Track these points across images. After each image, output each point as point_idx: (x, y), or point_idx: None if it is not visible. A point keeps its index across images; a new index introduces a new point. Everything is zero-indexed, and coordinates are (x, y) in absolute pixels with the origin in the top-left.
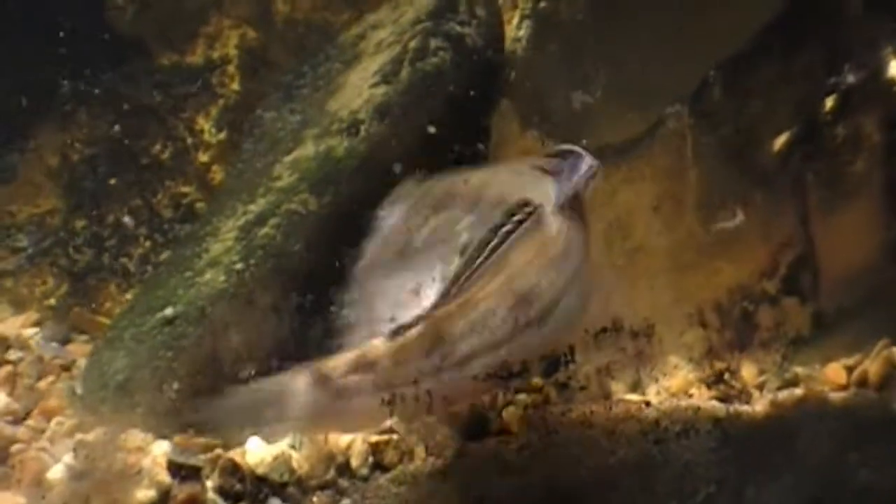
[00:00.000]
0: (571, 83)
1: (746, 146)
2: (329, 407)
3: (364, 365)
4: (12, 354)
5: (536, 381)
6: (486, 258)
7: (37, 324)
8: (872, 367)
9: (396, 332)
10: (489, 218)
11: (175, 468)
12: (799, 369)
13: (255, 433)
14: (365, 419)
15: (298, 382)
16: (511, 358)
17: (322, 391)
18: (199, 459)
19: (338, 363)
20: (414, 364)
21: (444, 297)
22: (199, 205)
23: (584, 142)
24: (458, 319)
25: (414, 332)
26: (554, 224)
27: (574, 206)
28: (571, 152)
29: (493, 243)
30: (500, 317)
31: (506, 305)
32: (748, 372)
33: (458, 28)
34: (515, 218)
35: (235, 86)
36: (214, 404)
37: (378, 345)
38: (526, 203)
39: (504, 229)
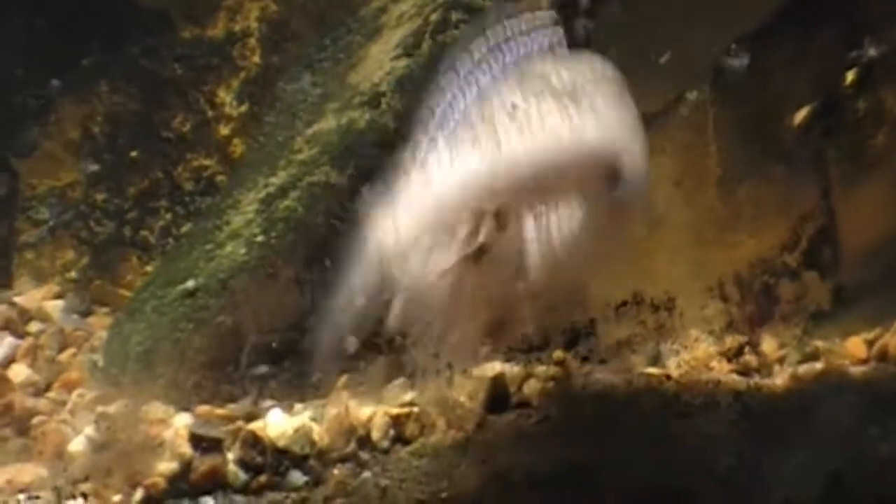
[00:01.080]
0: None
1: (767, 121)
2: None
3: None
4: (33, 326)
5: (558, 353)
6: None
7: (58, 296)
8: (893, 341)
9: None
10: None
11: (196, 440)
12: (819, 343)
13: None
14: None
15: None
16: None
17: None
18: (221, 431)
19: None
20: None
21: None
22: (220, 177)
23: None
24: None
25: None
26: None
27: None
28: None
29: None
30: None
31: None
32: (769, 346)
33: (480, 1)
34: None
35: (256, 59)
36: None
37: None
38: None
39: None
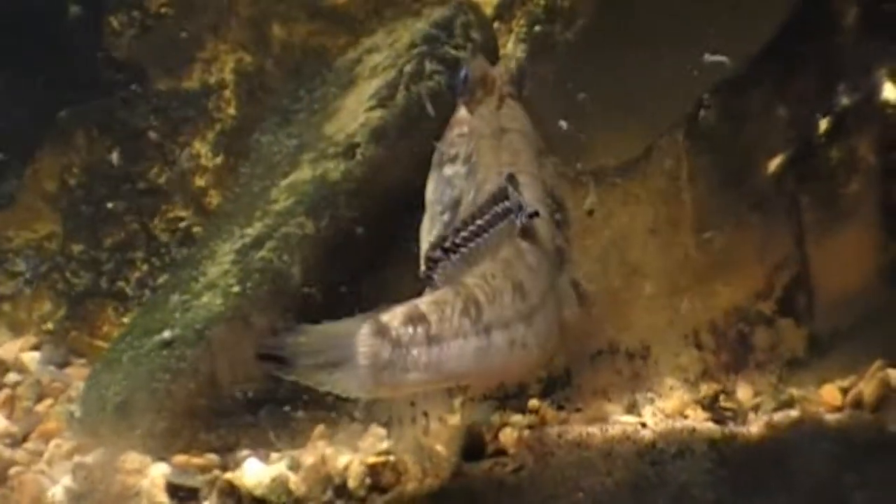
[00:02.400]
0: (566, 106)
1: (741, 168)
2: (389, 358)
3: (416, 317)
4: (11, 378)
5: (533, 402)
6: (489, 224)
7: (35, 347)
8: (867, 388)
9: (428, 267)
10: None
11: (173, 489)
12: (794, 391)
13: (324, 381)
14: (421, 376)
15: (361, 329)
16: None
17: (382, 339)
18: (198, 480)
19: (394, 314)
20: (456, 320)
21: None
22: (196, 229)
23: (579, 165)
24: (481, 288)
25: (450, 290)
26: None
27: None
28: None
29: (495, 210)
30: (508, 298)
31: (510, 288)
32: (744, 393)
33: (454, 52)
34: (506, 203)
35: (232, 110)
36: (286, 339)
37: (423, 300)
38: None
39: (503, 205)
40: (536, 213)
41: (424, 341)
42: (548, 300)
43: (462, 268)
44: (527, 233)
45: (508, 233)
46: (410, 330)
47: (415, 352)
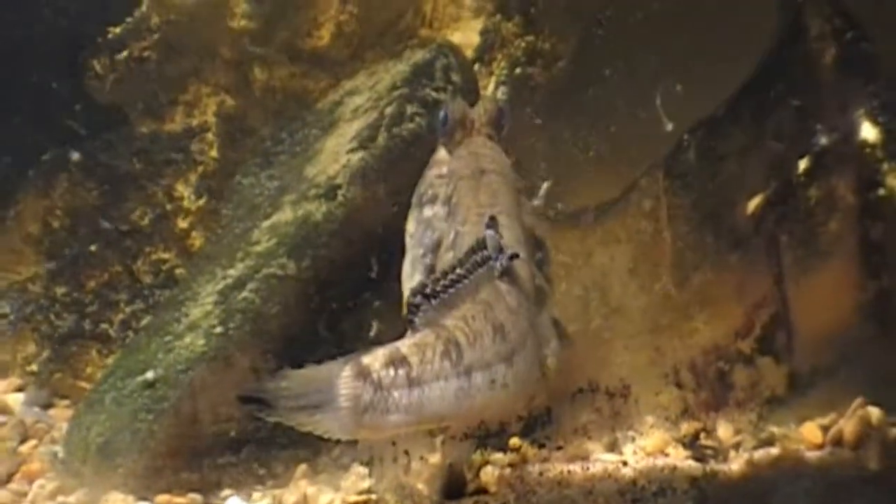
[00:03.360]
0: (546, 148)
1: (720, 208)
2: (370, 400)
3: (398, 360)
4: None
5: (514, 440)
6: (469, 272)
7: (19, 389)
8: (848, 426)
9: (410, 312)
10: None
11: None
12: (774, 429)
13: (305, 423)
14: (402, 418)
15: (343, 371)
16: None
17: (363, 382)
18: None
19: (375, 356)
20: (437, 362)
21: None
22: (178, 270)
23: (559, 205)
24: (462, 330)
25: (431, 332)
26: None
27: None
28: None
29: (475, 259)
30: (488, 339)
31: (490, 330)
32: (724, 431)
33: (434, 94)
34: (486, 252)
35: (214, 153)
36: (268, 384)
37: (404, 342)
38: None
39: (482, 254)
40: (516, 255)
41: (405, 383)
42: (528, 340)
43: (443, 311)
44: (507, 274)
45: (488, 276)
46: (392, 372)
47: (396, 394)
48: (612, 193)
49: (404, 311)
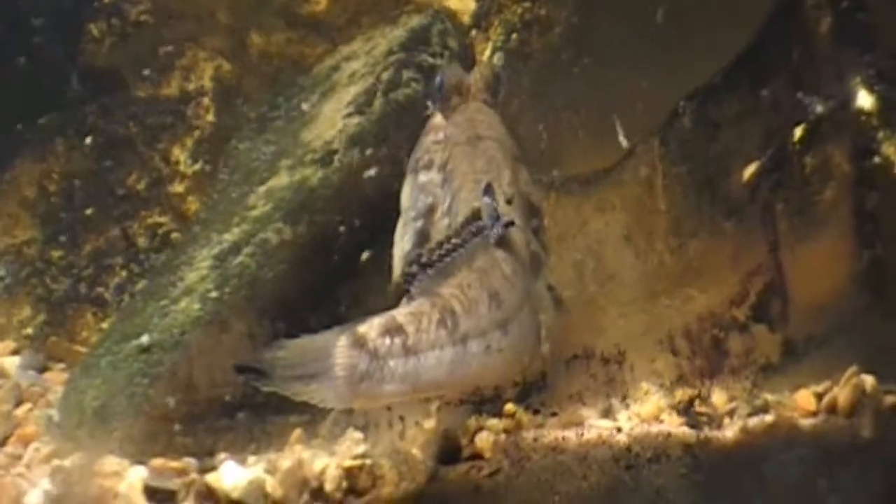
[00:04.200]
0: (541, 114)
1: (716, 176)
2: (366, 369)
3: (394, 329)
4: None
5: (509, 406)
6: (464, 242)
7: (14, 352)
8: (842, 394)
9: (405, 281)
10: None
11: (151, 492)
12: (769, 396)
13: (301, 391)
14: (398, 387)
15: (339, 341)
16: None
17: (359, 351)
18: (175, 483)
19: (371, 325)
20: (433, 331)
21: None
22: (174, 234)
23: (555, 172)
24: (458, 298)
25: (427, 301)
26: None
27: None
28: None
29: (470, 229)
30: (484, 307)
31: (486, 297)
32: (718, 398)
33: (430, 59)
34: (481, 222)
35: (210, 117)
36: (264, 354)
37: (400, 311)
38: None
39: (476, 224)
40: (512, 223)
41: (402, 352)
42: (524, 307)
43: (439, 280)
44: (502, 242)
45: (484, 244)
46: (388, 341)
47: (392, 363)
48: (608, 161)
49: (395, 273)
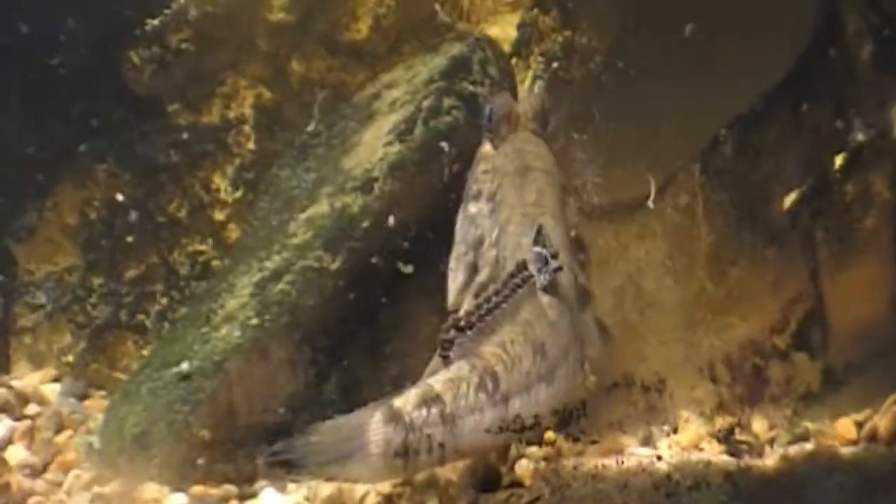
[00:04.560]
0: (583, 142)
1: (757, 203)
2: (402, 443)
3: (431, 398)
4: (31, 409)
5: (549, 434)
6: (507, 298)
7: (55, 379)
8: (882, 421)
9: (444, 348)
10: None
11: None
12: (809, 424)
13: (336, 474)
14: (437, 456)
15: (373, 418)
16: (525, 411)
17: (395, 425)
18: None
19: (408, 398)
20: (472, 395)
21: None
22: (214, 262)
23: (596, 200)
24: (500, 357)
25: (466, 364)
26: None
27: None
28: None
29: (514, 282)
30: (528, 362)
31: (530, 352)
32: (759, 426)
33: (471, 87)
34: (526, 273)
35: (251, 145)
36: (296, 442)
37: (438, 378)
38: (546, 258)
39: (521, 275)
40: (560, 269)
41: (439, 422)
42: (570, 352)
43: (481, 339)
44: (550, 288)
45: (530, 292)
46: (424, 412)
47: (429, 433)
48: (648, 190)
49: (449, 302)
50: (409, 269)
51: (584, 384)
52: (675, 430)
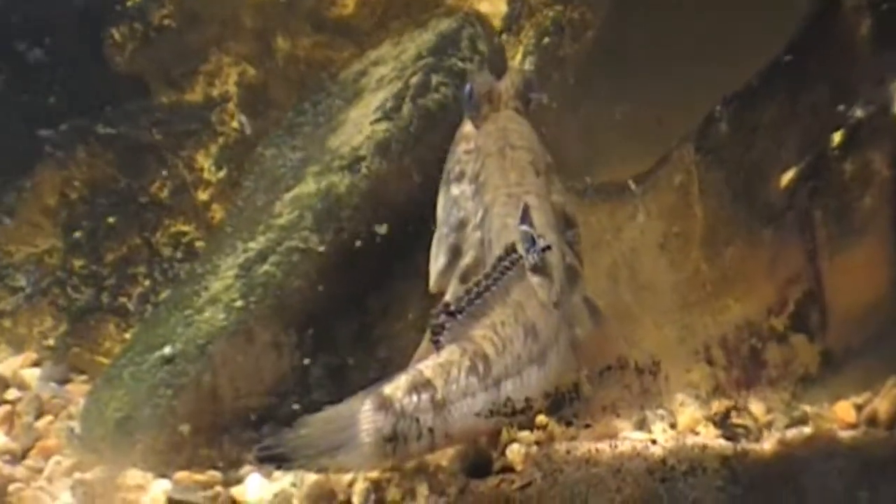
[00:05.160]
0: (574, 119)
1: (753, 182)
2: (393, 430)
3: (421, 384)
4: (11, 394)
5: (541, 418)
6: (496, 280)
7: (36, 363)
8: (882, 404)
9: (434, 332)
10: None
11: None
12: (807, 407)
13: (327, 464)
14: (429, 442)
15: (364, 407)
16: (517, 394)
17: (385, 413)
18: (200, 497)
19: (398, 384)
20: (463, 379)
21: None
22: (198, 243)
23: (588, 179)
24: (490, 340)
25: (457, 348)
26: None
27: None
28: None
29: (503, 264)
30: (519, 344)
31: (521, 333)
32: (756, 410)
33: (461, 64)
34: (515, 255)
35: (235, 123)
36: (286, 435)
37: (428, 363)
38: (532, 238)
39: (510, 258)
40: (548, 247)
41: (430, 407)
42: (560, 332)
43: (471, 322)
44: (538, 269)
45: (519, 273)
46: (415, 399)
47: (421, 419)
48: (642, 167)
49: (430, 285)
50: (383, 229)
51: (572, 365)
52: (670, 414)
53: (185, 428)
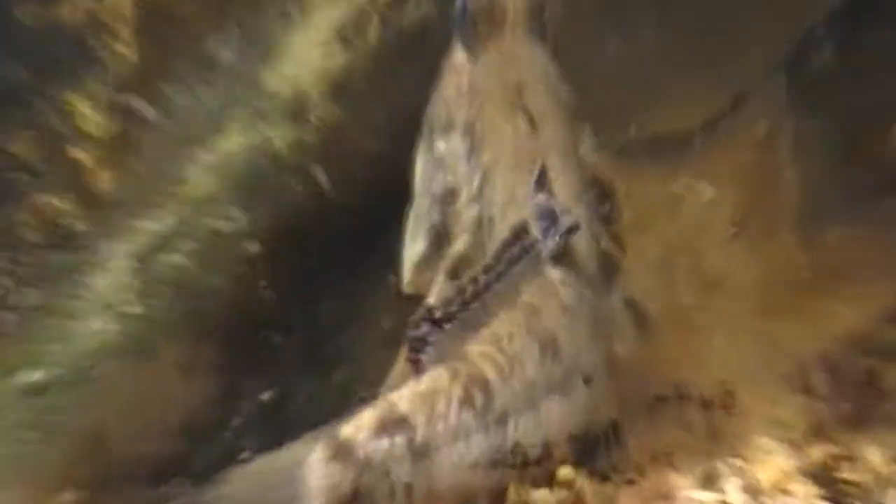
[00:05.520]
0: (614, 45)
1: (867, 135)
2: (356, 488)
3: (393, 422)
4: None
5: (565, 471)
6: (501, 275)
7: None
8: None
9: (413, 349)
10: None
11: None
12: None
13: None
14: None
15: (313, 456)
16: (529, 437)
17: (343, 465)
18: None
19: (359, 424)
20: (453, 416)
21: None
22: (77, 224)
23: (632, 131)
24: (492, 359)
25: (445, 371)
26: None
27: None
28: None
29: (511, 253)
30: (533, 365)
31: (536, 349)
32: (873, 458)
33: None
34: (528, 239)
35: (129, 52)
36: (203, 497)
37: (404, 393)
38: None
39: (521, 243)
40: (576, 227)
41: (407, 455)
42: (592, 348)
43: (465, 333)
44: (560, 258)
45: (533, 264)
46: (385, 443)
47: (393, 472)
48: (711, 113)
49: (405, 283)
50: (339, 202)
51: (610, 395)
52: (749, 465)
53: (57, 483)
